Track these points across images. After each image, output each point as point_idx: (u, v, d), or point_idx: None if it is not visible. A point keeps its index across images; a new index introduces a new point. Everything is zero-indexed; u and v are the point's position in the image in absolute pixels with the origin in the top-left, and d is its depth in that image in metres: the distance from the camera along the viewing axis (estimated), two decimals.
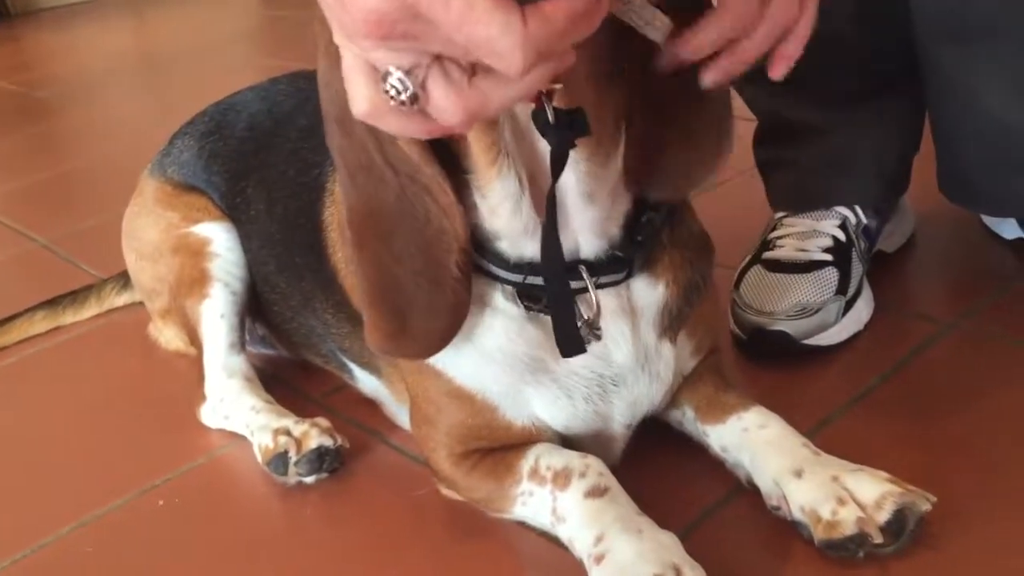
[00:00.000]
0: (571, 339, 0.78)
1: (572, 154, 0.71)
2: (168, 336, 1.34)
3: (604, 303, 0.83)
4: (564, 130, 0.68)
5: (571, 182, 0.77)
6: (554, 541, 0.86)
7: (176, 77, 3.78)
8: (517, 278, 0.82)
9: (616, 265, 0.83)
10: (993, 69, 1.03)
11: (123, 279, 1.53)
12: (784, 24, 0.69)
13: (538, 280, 0.81)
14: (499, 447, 0.90)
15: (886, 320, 1.14)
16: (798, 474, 0.83)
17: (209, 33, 4.70)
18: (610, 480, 0.84)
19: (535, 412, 0.88)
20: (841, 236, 1.15)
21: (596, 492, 0.83)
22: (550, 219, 0.73)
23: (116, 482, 1.09)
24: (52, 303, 1.52)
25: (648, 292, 0.86)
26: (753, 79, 1.23)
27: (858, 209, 1.17)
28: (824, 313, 1.08)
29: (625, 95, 0.76)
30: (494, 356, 0.85)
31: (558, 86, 0.67)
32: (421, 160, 0.73)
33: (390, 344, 0.81)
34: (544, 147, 0.72)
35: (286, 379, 1.25)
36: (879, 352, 1.08)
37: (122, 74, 3.97)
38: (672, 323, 0.89)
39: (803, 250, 1.14)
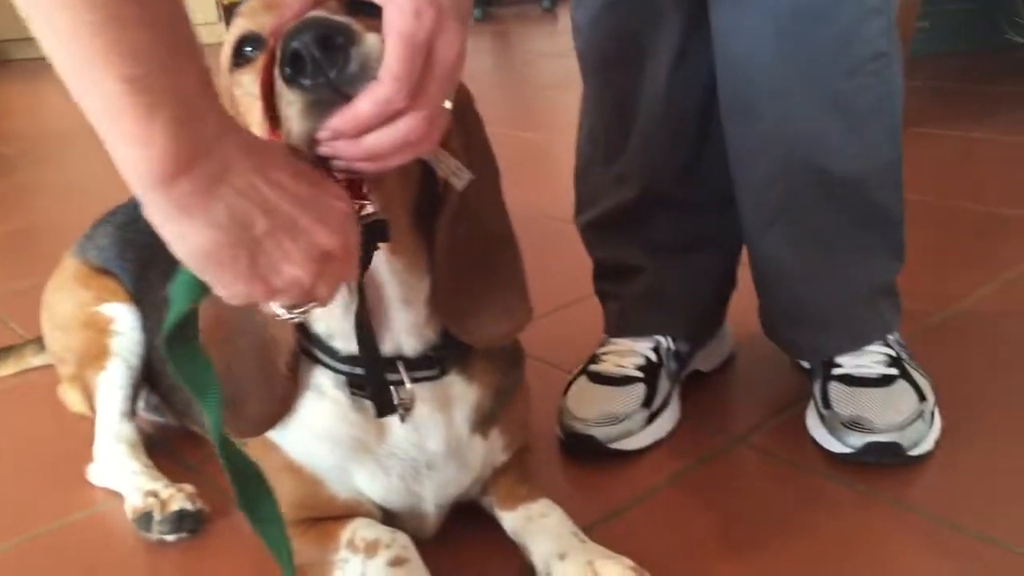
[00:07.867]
0: (384, 403, 0.97)
1: (390, 266, 0.93)
2: (73, 399, 1.49)
3: (421, 394, 1.01)
4: (369, 234, 0.85)
5: (393, 290, 0.96)
6: None
7: None
8: (344, 368, 1.00)
9: (431, 363, 1.01)
10: (790, 247, 1.28)
11: (41, 342, 1.69)
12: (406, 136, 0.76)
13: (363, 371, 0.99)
14: (326, 517, 1.07)
15: (687, 431, 1.33)
16: (562, 557, 1.01)
17: None
18: (411, 553, 1.01)
19: (357, 485, 1.05)
20: (653, 357, 1.35)
21: (397, 562, 1.00)
22: (361, 301, 0.93)
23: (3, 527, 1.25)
24: None
25: (463, 390, 1.05)
26: (592, 227, 1.44)
27: (669, 337, 1.38)
28: (629, 422, 1.28)
29: (432, 232, 0.96)
30: (322, 435, 1.02)
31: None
32: None
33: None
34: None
35: (170, 447, 1.42)
36: (672, 459, 1.27)
37: (83, 136, 4.11)
38: (484, 420, 1.07)
39: (620, 366, 1.34)
